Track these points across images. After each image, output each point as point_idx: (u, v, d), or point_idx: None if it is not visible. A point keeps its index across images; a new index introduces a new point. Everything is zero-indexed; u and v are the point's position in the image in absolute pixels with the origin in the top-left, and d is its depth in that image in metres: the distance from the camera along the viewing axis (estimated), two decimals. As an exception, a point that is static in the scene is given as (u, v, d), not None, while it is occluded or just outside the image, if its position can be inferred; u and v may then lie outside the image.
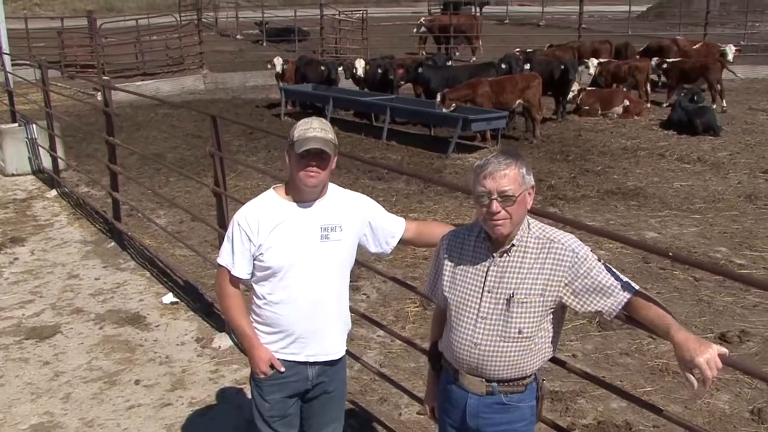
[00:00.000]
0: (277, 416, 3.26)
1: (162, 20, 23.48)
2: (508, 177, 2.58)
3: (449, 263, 2.83)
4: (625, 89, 15.12)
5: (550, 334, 2.75)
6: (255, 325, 3.22)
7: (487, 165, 2.62)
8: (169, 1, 36.13)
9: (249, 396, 4.57)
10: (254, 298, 3.22)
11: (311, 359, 3.21)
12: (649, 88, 15.41)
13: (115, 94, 16.79)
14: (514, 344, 2.67)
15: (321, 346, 3.21)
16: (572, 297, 2.65)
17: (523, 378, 2.77)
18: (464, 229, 2.87)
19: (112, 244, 7.77)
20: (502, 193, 2.57)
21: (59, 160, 9.90)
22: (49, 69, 17.49)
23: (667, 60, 15.93)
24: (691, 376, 2.34)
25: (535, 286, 2.64)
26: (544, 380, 2.88)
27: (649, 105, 15.03)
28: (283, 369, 3.18)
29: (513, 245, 2.67)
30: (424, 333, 5.58)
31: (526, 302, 2.64)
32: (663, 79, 16.15)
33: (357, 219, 3.23)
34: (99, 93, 11.60)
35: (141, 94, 10.02)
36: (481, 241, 2.75)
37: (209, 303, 6.30)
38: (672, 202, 9.07)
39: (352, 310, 5.76)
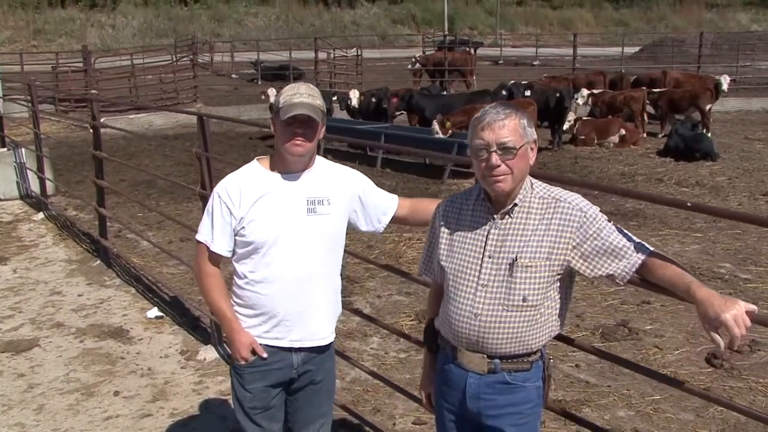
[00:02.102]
0: (259, 408, 3.00)
1: (157, 58, 23.56)
2: (508, 128, 2.37)
3: (446, 230, 2.61)
4: (621, 119, 15.05)
5: (558, 305, 2.51)
6: (236, 308, 2.98)
7: (484, 116, 2.42)
8: (165, 43, 36.42)
9: (233, 407, 4.31)
10: (235, 278, 2.98)
11: (296, 344, 2.95)
12: (645, 118, 15.33)
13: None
14: (518, 314, 2.44)
15: (307, 330, 2.96)
16: (581, 261, 2.42)
17: (528, 354, 2.52)
18: (462, 194, 2.66)
19: (98, 262, 7.52)
20: (501, 145, 2.36)
21: (47, 182, 9.72)
22: (43, 104, 17.53)
23: (654, 90, 15.88)
24: (717, 336, 2.12)
25: (541, 249, 2.41)
26: (551, 359, 2.62)
27: (645, 135, 14.95)
28: (265, 355, 2.93)
29: (515, 205, 2.46)
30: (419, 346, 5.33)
31: (531, 266, 2.41)
32: (652, 110, 16.01)
33: (346, 193, 3.01)
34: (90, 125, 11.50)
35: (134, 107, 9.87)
36: (481, 203, 2.53)
37: (195, 317, 6.05)
38: (672, 222, 8.87)
39: (345, 323, 5.51)
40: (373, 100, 14.30)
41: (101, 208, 7.46)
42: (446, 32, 34.64)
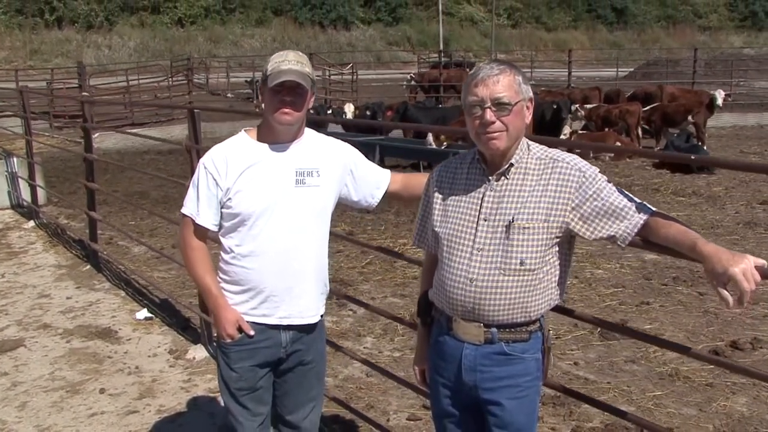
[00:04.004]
0: (245, 389, 2.87)
1: (153, 77, 23.53)
2: (502, 83, 2.28)
3: (439, 195, 2.51)
4: (616, 132, 15.02)
5: (557, 272, 2.41)
6: (222, 284, 2.86)
7: (478, 72, 2.33)
8: (161, 65, 36.46)
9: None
10: (221, 254, 2.87)
11: (284, 322, 2.84)
12: (640, 132, 15.31)
13: (102, 142, 16.66)
14: (516, 278, 2.33)
15: (296, 307, 2.84)
16: (580, 223, 2.32)
17: (527, 324, 2.40)
18: (456, 158, 2.56)
19: (88, 267, 7.40)
20: (496, 101, 2.27)
21: (39, 190, 9.60)
22: (38, 120, 17.45)
23: (646, 108, 15.86)
24: (725, 292, 2.01)
25: (538, 211, 2.31)
26: (550, 330, 2.51)
27: (640, 148, 14.91)
28: (252, 332, 2.81)
29: (511, 165, 2.36)
30: (414, 345, 5.21)
31: (528, 228, 2.30)
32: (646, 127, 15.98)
33: (337, 165, 2.91)
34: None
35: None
36: (475, 165, 2.44)
37: (185, 318, 5.92)
38: (670, 228, 8.77)
39: (338, 323, 5.39)
40: (368, 113, 14.26)
41: (92, 211, 7.34)
42: (441, 49, 34.69)
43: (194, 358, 5.15)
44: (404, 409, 4.44)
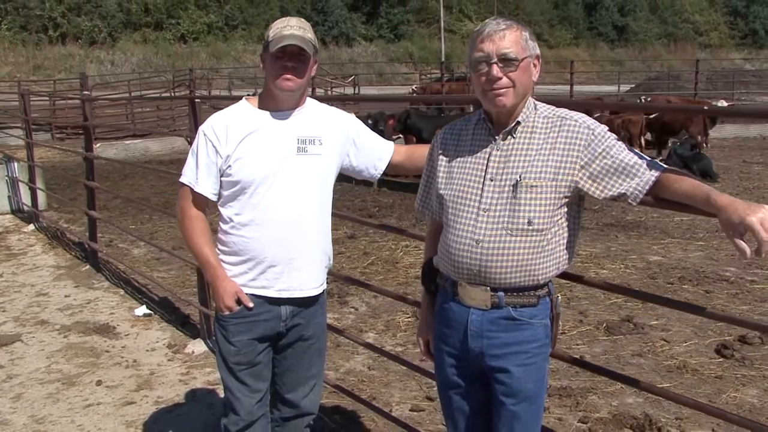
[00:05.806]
0: (244, 363, 2.78)
1: (154, 91, 23.62)
2: (509, 38, 2.22)
3: (444, 158, 2.44)
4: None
5: (565, 234, 2.33)
6: (221, 256, 2.78)
7: (484, 27, 2.27)
8: (164, 79, 36.54)
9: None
10: (220, 224, 2.80)
11: (284, 294, 2.76)
12: (643, 142, 15.27)
13: (103, 152, 16.61)
14: (523, 239, 2.25)
15: (296, 279, 2.76)
16: (590, 181, 2.25)
17: (535, 288, 2.32)
18: (461, 120, 2.50)
19: (87, 267, 7.32)
20: (502, 56, 2.21)
21: (39, 194, 9.54)
22: (40, 132, 17.46)
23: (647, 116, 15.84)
24: (741, 243, 1.95)
25: (546, 169, 2.24)
26: (559, 296, 2.43)
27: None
28: (251, 304, 2.73)
29: (518, 123, 2.30)
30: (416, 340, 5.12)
31: (536, 187, 2.23)
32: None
33: (339, 134, 2.85)
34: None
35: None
36: (481, 125, 2.37)
37: (185, 315, 5.84)
38: (674, 232, 8.71)
39: (340, 320, 5.31)
40: (370, 122, 14.19)
41: (92, 211, 7.28)
42: (443, 61, 34.80)
43: (193, 352, 5.06)
44: (407, 401, 4.35)
